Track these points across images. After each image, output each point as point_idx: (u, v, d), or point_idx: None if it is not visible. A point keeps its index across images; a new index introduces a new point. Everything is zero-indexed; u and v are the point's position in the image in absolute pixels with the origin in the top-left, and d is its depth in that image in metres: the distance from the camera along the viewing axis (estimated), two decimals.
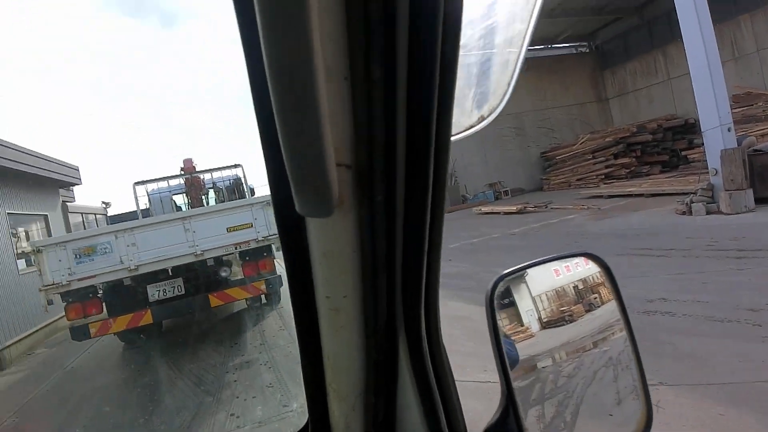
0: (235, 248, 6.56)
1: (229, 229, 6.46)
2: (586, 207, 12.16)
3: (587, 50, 22.15)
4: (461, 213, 16.82)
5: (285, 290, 7.52)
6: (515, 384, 0.75)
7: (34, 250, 6.04)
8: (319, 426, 0.84)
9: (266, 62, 0.37)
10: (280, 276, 6.97)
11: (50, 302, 5.96)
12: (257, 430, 3.96)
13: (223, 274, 6.77)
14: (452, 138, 0.52)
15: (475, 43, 0.54)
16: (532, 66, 20.42)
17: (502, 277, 0.81)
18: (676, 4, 8.70)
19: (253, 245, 6.55)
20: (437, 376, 0.71)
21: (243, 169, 11.13)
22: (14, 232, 9.70)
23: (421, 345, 0.69)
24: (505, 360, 0.75)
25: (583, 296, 0.89)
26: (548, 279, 0.89)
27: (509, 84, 0.56)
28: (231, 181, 11.09)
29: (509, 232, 10.82)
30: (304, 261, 0.60)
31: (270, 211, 6.55)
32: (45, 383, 6.54)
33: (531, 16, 0.55)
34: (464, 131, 0.58)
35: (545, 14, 17.39)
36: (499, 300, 0.81)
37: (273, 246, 6.70)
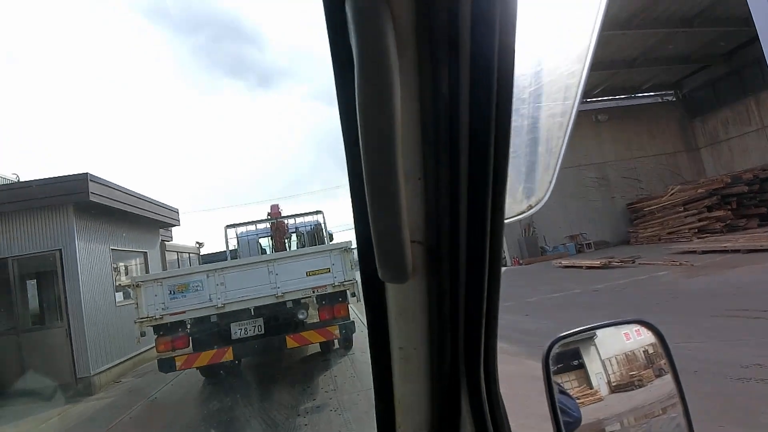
0: (313, 292, 6.75)
1: (308, 273, 6.68)
2: (677, 263, 11.22)
3: (674, 98, 21.12)
4: (540, 266, 16.18)
5: (356, 337, 7.61)
6: None
7: (133, 285, 6.58)
8: None
9: (364, 167, 0.53)
10: (354, 322, 7.06)
11: (143, 334, 6.41)
12: None
13: (300, 316, 6.93)
14: (505, 221, 0.63)
15: (521, 147, 0.65)
16: (615, 115, 19.82)
17: (557, 339, 0.85)
18: (765, 53, 8.22)
19: (329, 290, 6.70)
20: (495, 425, 0.76)
21: (324, 216, 11.60)
22: (115, 266, 10.65)
23: (480, 393, 0.75)
24: (559, 418, 0.78)
25: (653, 361, 0.89)
26: (618, 343, 0.90)
27: (550, 182, 0.66)
28: (312, 226, 11.55)
29: (592, 288, 10.19)
30: (383, 317, 0.73)
31: (346, 257, 6.73)
32: (128, 412, 6.93)
33: (568, 123, 0.65)
34: (516, 216, 0.69)
35: (626, 64, 16.93)
36: (555, 361, 0.83)
37: (348, 292, 6.82)
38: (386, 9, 0.48)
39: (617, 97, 20.22)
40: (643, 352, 0.89)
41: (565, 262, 15.15)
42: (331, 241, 10.77)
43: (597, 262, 13.18)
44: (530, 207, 0.69)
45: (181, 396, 7.49)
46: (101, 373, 8.99)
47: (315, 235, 11.26)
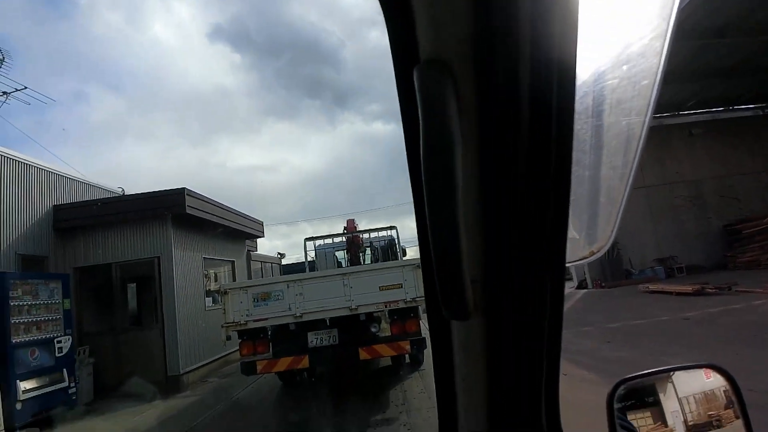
0: (385, 306, 6.89)
1: (381, 288, 6.83)
2: None
3: None
4: (624, 290, 15.20)
5: (427, 353, 7.62)
6: None
7: (222, 291, 7.10)
8: None
9: (428, 216, 0.59)
10: (425, 338, 7.10)
11: (228, 338, 6.86)
12: None
13: (373, 330, 7.08)
14: (567, 265, 0.66)
15: (583, 196, 0.68)
16: (711, 129, 18.21)
17: (623, 381, 0.85)
18: None
19: (401, 305, 6.81)
20: None
21: (397, 231, 11.84)
22: (206, 273, 11.47)
23: (542, 429, 0.76)
24: None
25: (734, 402, 0.86)
26: (697, 381, 0.88)
27: (612, 230, 0.68)
28: (386, 241, 11.84)
29: (681, 316, 9.40)
30: (447, 350, 0.79)
31: (418, 274, 6.81)
32: (213, 410, 7.45)
33: (629, 175, 0.66)
34: (577, 261, 0.71)
35: (723, 74, 15.54)
36: (626, 397, 0.83)
37: (419, 308, 6.88)
38: (449, 79, 0.53)
39: (713, 109, 18.58)
40: (725, 391, 0.87)
41: (652, 287, 14.13)
42: (404, 256, 10.96)
43: (688, 288, 12.19)
44: (592, 253, 0.71)
45: (261, 398, 7.91)
46: (190, 372, 9.69)
47: (389, 250, 11.52)
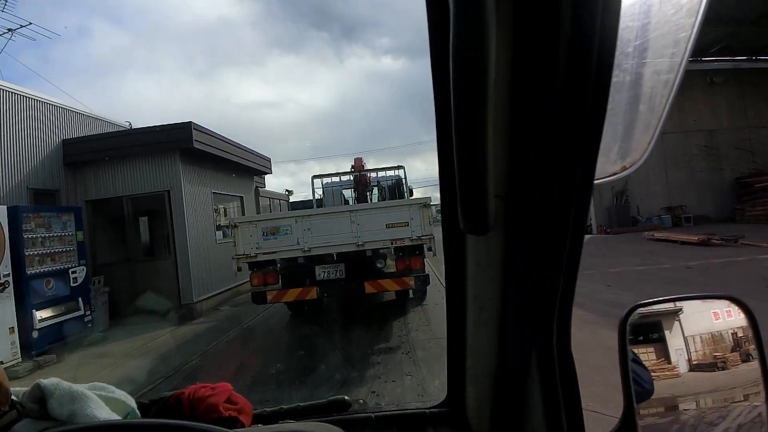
0: (391, 243, 7.06)
1: (387, 226, 6.96)
2: None
3: None
4: (629, 236, 15.28)
5: (429, 290, 7.86)
6: (642, 420, 0.77)
7: (232, 225, 7.27)
8: (455, 403, 1.02)
9: (453, 116, 0.53)
10: (428, 275, 7.30)
11: (239, 269, 7.11)
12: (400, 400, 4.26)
13: (378, 265, 7.30)
14: (596, 182, 0.61)
15: (621, 104, 0.62)
16: (733, 78, 17.54)
17: (636, 306, 0.83)
18: None
19: (407, 242, 6.97)
20: (563, 381, 0.77)
21: (405, 171, 11.84)
22: (216, 208, 11.64)
23: (551, 348, 0.76)
24: (631, 386, 0.78)
25: (741, 345, 0.84)
26: (705, 321, 0.86)
27: (649, 143, 0.64)
28: (393, 181, 11.87)
29: (684, 264, 9.50)
30: (461, 267, 0.78)
31: (425, 213, 6.91)
32: (226, 335, 7.85)
33: (675, 81, 0.62)
34: (607, 177, 0.66)
35: (750, 22, 14.68)
36: (633, 331, 0.81)
37: (425, 246, 7.04)
38: None
39: (737, 58, 17.84)
40: (732, 334, 0.84)
41: (657, 235, 14.23)
42: (411, 196, 11.02)
43: (694, 238, 12.26)
44: (624, 168, 0.65)
45: (271, 326, 8.28)
46: (202, 301, 10.08)
47: (396, 190, 11.58)
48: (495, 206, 0.60)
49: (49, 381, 0.96)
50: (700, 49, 16.49)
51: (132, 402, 0.88)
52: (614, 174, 0.66)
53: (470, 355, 0.89)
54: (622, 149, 0.65)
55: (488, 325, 0.79)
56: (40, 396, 0.94)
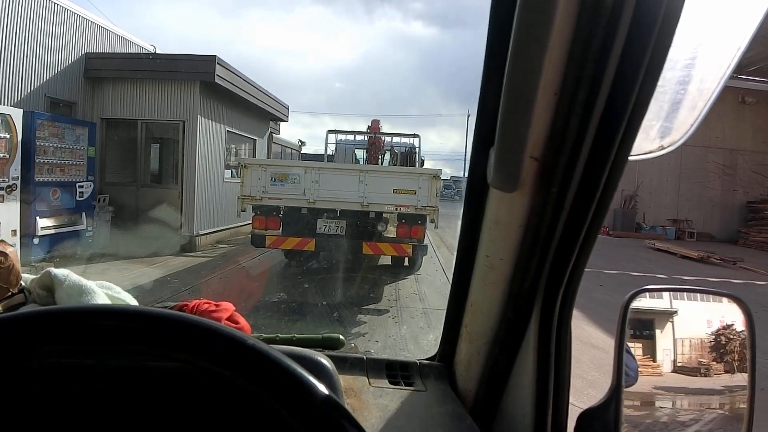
0: (396, 209, 7.12)
1: (395, 191, 7.00)
2: None
3: None
4: (630, 241, 15.25)
5: (425, 260, 7.95)
6: (626, 411, 0.77)
7: (242, 165, 7.32)
8: (446, 358, 1.05)
9: (507, 71, 0.54)
10: (427, 246, 7.39)
11: (243, 210, 7.23)
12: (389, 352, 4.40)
13: (380, 228, 7.36)
14: (631, 158, 0.60)
15: (671, 82, 0.61)
16: (763, 101, 17.07)
17: (641, 290, 0.82)
18: None
19: (411, 210, 7.03)
20: (557, 351, 0.77)
21: (419, 140, 11.77)
22: (228, 147, 11.63)
23: (552, 318, 0.76)
24: (622, 369, 0.78)
25: (727, 354, 0.84)
26: (698, 326, 0.86)
27: (692, 125, 0.62)
28: (407, 148, 11.82)
29: (679, 277, 9.59)
30: (478, 222, 0.78)
31: (434, 184, 6.93)
32: (220, 271, 8.02)
33: (730, 64, 0.61)
34: (643, 154, 0.64)
35: None
36: (630, 320, 0.81)
37: (428, 217, 7.09)
38: None
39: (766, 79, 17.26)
40: (721, 343, 0.84)
41: (658, 245, 14.24)
42: (422, 166, 11.00)
43: (694, 254, 12.29)
44: (661, 147, 0.64)
45: (265, 269, 8.43)
46: (203, 235, 10.19)
47: (408, 157, 11.56)
48: (528, 166, 0.61)
49: (60, 271, 1.02)
50: (738, 66, 16.00)
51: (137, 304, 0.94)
52: (650, 152, 0.64)
53: (469, 312, 0.90)
54: (663, 128, 0.64)
55: (495, 285, 0.80)
56: (49, 284, 1.00)
